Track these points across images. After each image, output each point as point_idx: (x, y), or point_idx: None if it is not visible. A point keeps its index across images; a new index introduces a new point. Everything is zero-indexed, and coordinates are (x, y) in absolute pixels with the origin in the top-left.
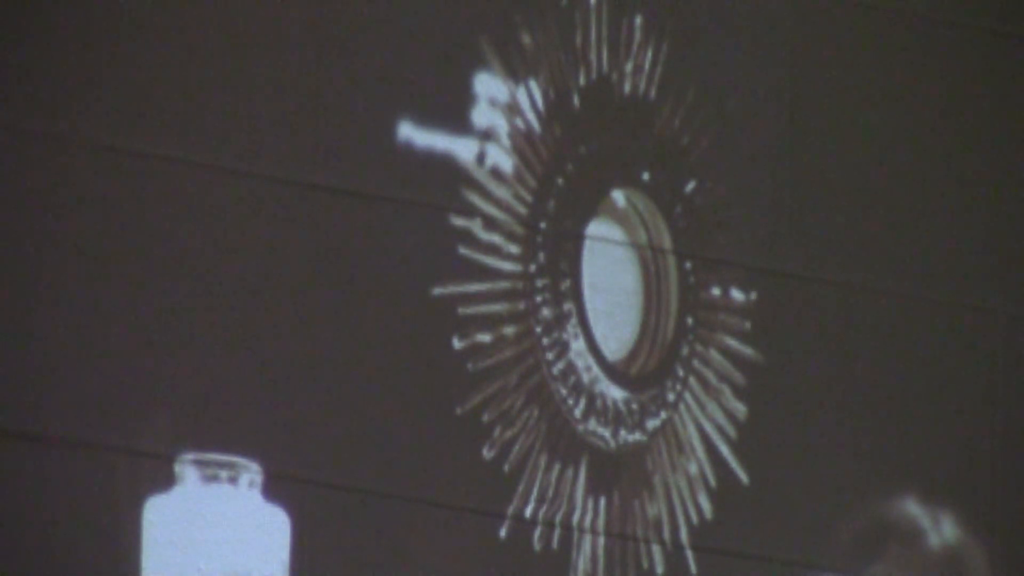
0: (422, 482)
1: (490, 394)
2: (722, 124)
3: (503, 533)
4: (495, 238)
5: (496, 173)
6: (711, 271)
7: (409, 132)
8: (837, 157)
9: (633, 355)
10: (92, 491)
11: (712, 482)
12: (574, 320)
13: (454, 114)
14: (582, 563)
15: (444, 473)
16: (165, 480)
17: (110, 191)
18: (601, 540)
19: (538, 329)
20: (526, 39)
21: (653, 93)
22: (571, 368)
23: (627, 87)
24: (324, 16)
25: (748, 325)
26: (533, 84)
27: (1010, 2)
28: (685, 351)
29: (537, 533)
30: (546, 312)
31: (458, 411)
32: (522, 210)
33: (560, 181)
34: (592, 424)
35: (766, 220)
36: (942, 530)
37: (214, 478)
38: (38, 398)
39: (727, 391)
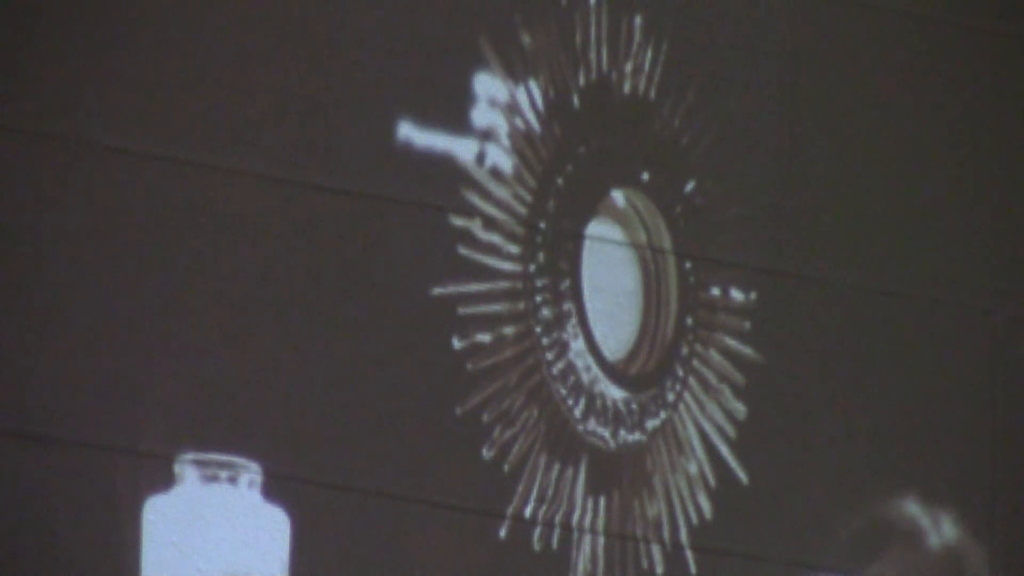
0: (422, 482)
1: (490, 394)
2: (722, 124)
3: (503, 533)
4: (495, 238)
5: (496, 173)
6: (711, 271)
7: (409, 132)
8: (837, 157)
9: (633, 355)
10: (92, 491)
11: (712, 482)
12: (574, 320)
13: (454, 114)
14: (582, 563)
15: (444, 473)
16: (165, 480)
17: (110, 191)
18: (601, 540)
19: (538, 329)
20: (526, 39)
21: (653, 93)
22: (571, 368)
23: (627, 87)
24: (323, 16)
25: (748, 325)
26: (533, 84)
27: (1010, 2)
28: (685, 351)
29: (537, 533)
30: (546, 312)
31: (458, 411)
32: (522, 210)
33: (560, 181)
34: (592, 424)
35: (766, 220)
36: (942, 530)
37: (214, 478)
38: (38, 398)
39: (727, 391)
